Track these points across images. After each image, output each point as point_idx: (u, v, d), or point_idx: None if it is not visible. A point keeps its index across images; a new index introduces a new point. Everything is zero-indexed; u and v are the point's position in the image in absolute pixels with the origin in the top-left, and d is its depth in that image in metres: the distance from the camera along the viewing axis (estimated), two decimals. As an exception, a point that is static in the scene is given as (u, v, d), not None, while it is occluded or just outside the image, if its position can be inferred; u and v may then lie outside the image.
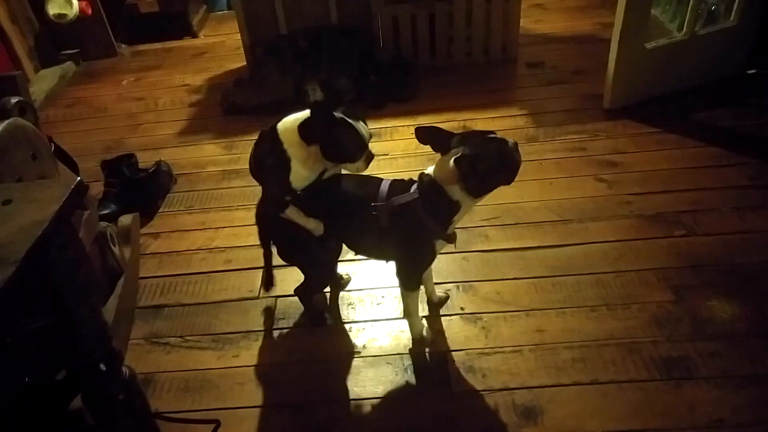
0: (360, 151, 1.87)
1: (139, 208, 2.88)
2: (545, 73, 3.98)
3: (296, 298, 2.29)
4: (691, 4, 3.20)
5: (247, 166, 2.11)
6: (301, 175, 1.90)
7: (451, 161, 1.71)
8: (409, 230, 1.87)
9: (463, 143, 1.76)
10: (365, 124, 1.89)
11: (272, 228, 2.08)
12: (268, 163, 1.93)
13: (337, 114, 1.84)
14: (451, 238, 1.90)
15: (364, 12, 4.02)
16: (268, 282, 2.32)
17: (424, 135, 1.83)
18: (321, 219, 1.95)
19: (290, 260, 2.16)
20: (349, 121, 1.84)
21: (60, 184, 1.33)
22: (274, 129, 1.91)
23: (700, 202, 2.64)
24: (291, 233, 1.98)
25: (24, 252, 1.12)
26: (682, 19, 3.32)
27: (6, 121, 1.75)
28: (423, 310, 2.24)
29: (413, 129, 1.85)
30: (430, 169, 1.84)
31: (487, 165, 1.71)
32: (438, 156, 1.83)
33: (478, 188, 1.78)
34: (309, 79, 3.67)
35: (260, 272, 2.41)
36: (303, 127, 1.86)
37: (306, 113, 1.87)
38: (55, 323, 1.36)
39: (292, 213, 1.94)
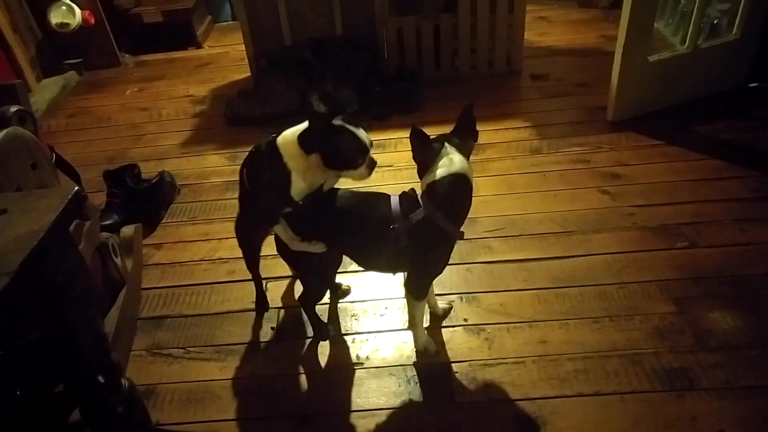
0: (360, 156, 1.87)
1: (141, 219, 2.87)
2: (549, 86, 3.99)
3: (298, 309, 2.28)
4: (693, 17, 3.21)
5: None
6: (300, 187, 1.90)
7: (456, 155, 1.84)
8: (429, 241, 1.86)
9: (444, 141, 1.88)
10: (366, 131, 1.90)
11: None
12: (265, 177, 1.92)
13: (336, 121, 1.85)
14: (462, 234, 1.89)
15: (369, 23, 4.02)
16: (260, 304, 2.38)
17: (418, 137, 1.88)
18: (322, 235, 1.93)
19: (285, 258, 2.12)
20: (348, 127, 1.85)
21: (57, 194, 1.32)
22: (272, 143, 1.91)
23: (702, 215, 2.64)
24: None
25: (18, 263, 1.11)
26: (684, 32, 3.33)
27: (5, 130, 1.75)
28: (425, 321, 2.23)
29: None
30: (439, 173, 1.83)
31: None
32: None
33: None
34: (313, 90, 3.68)
35: (263, 282, 2.41)
36: (302, 137, 1.86)
37: (306, 125, 1.87)
38: (52, 335, 1.35)
39: (279, 230, 1.94)
